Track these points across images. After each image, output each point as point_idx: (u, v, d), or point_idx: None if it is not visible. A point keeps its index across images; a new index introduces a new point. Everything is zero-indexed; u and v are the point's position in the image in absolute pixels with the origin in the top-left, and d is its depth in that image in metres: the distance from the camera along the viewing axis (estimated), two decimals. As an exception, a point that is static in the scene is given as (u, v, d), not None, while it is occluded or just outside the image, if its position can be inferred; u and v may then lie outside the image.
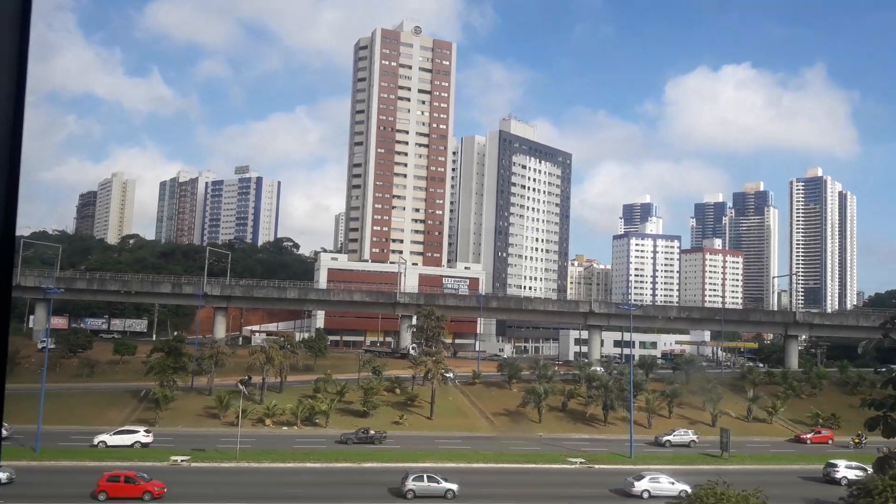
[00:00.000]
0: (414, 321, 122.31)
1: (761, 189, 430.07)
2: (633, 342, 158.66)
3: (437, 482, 46.16)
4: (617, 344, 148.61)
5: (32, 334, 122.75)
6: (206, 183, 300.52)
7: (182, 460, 52.51)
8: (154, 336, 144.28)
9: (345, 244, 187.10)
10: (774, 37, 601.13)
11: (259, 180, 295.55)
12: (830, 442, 76.06)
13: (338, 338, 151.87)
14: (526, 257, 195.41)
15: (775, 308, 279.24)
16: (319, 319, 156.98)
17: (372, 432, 67.07)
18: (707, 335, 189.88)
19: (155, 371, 78.18)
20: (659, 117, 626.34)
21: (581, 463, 57.85)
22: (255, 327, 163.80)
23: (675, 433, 74.00)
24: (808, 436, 77.37)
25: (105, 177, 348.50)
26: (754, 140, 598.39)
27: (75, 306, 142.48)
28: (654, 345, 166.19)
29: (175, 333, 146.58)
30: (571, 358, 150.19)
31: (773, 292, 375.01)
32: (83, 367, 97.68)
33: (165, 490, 44.84)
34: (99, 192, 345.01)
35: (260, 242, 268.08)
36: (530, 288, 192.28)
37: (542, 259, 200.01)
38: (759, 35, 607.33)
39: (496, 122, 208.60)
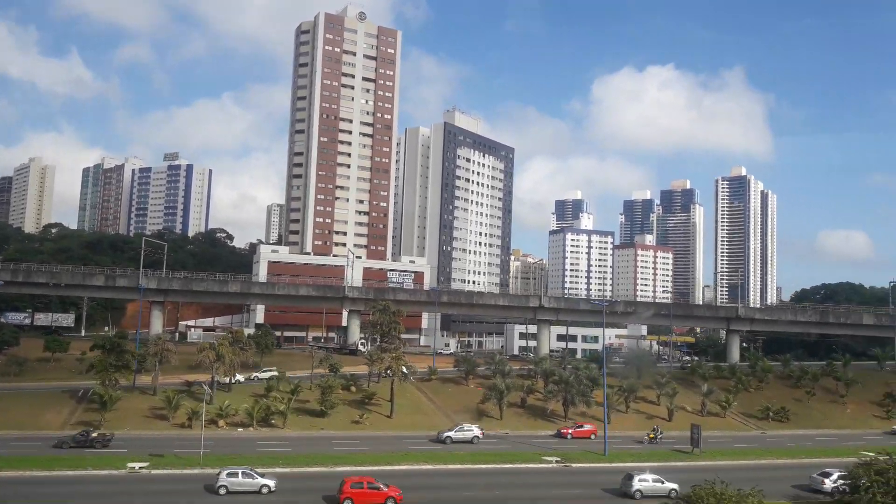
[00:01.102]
0: (360, 316, 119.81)
1: (688, 187, 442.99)
2: (577, 336, 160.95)
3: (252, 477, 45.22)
4: (561, 338, 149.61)
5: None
6: (133, 170, 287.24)
7: (140, 467, 48.53)
8: (83, 331, 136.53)
9: (285, 236, 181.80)
10: (697, 39, 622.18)
11: (189, 168, 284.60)
12: (593, 437, 71.79)
13: (279, 333, 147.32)
14: (470, 251, 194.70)
15: (700, 303, 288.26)
16: (259, 314, 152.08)
17: (94, 434, 58.43)
18: (644, 329, 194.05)
19: (96, 369, 73.09)
20: (586, 115, 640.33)
21: (557, 461, 56.67)
22: (191, 322, 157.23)
23: (456, 429, 68.20)
24: (570, 430, 72.96)
25: (21, 161, 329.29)
26: (677, 139, 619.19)
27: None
28: (595, 338, 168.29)
29: (107, 329, 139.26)
30: (517, 352, 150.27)
31: (699, 287, 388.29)
32: (10, 364, 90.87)
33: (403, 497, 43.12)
34: (15, 177, 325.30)
35: (191, 233, 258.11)
36: (474, 282, 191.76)
37: (485, 253, 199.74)
38: (682, 37, 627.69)
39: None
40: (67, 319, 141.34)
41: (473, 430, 68.03)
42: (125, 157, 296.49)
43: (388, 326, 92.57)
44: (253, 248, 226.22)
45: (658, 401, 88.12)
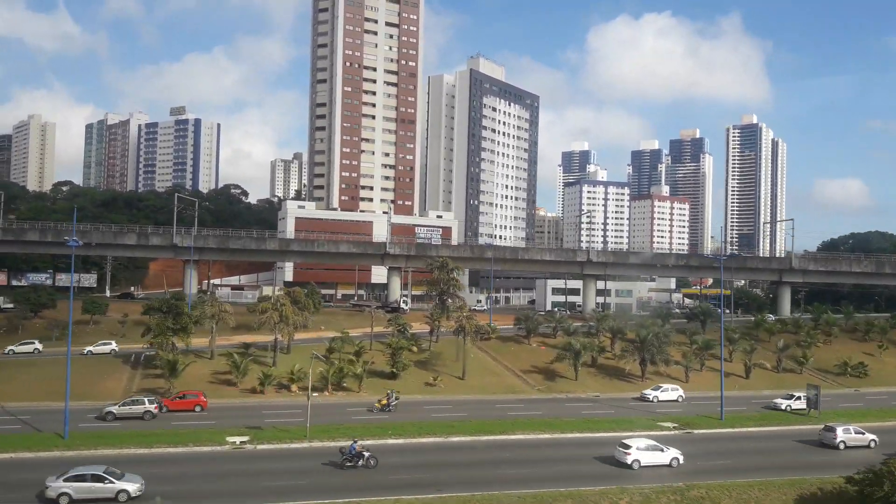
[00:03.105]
0: (400, 273, 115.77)
1: (697, 136, 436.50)
2: (611, 291, 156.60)
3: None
4: (599, 293, 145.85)
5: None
6: (139, 125, 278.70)
7: (241, 442, 44.45)
8: (108, 292, 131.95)
9: (309, 191, 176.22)
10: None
11: (197, 122, 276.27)
12: (198, 409, 56.74)
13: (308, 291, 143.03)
14: (497, 205, 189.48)
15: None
16: (287, 272, 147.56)
17: None
18: (672, 283, 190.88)
19: (154, 333, 68.87)
20: (582, 65, 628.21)
21: (675, 428, 52.96)
22: (217, 280, 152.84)
23: (121, 403, 54.80)
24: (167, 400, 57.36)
25: (20, 119, 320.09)
26: (677, 88, 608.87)
27: (14, 260, 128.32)
28: (629, 292, 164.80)
29: (133, 289, 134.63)
30: (550, 308, 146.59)
31: (707, 238, 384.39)
32: (51, 328, 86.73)
33: None
34: (14, 135, 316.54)
35: (202, 189, 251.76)
36: (501, 237, 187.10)
37: (511, 207, 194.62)
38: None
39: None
40: (90, 280, 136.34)
41: (146, 404, 54.39)
42: (130, 112, 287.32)
43: (447, 284, 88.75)
44: (269, 203, 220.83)
45: (730, 358, 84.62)
